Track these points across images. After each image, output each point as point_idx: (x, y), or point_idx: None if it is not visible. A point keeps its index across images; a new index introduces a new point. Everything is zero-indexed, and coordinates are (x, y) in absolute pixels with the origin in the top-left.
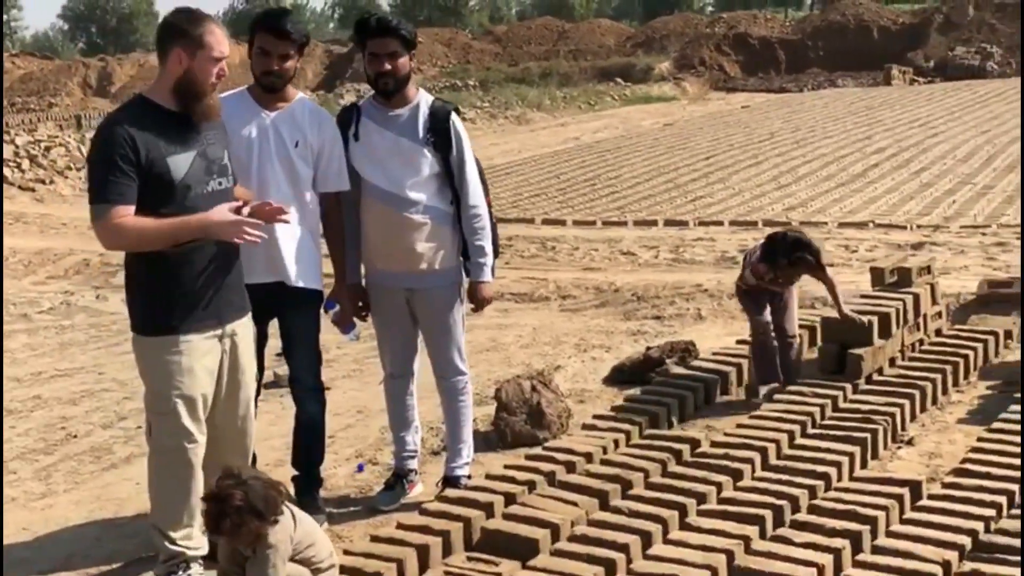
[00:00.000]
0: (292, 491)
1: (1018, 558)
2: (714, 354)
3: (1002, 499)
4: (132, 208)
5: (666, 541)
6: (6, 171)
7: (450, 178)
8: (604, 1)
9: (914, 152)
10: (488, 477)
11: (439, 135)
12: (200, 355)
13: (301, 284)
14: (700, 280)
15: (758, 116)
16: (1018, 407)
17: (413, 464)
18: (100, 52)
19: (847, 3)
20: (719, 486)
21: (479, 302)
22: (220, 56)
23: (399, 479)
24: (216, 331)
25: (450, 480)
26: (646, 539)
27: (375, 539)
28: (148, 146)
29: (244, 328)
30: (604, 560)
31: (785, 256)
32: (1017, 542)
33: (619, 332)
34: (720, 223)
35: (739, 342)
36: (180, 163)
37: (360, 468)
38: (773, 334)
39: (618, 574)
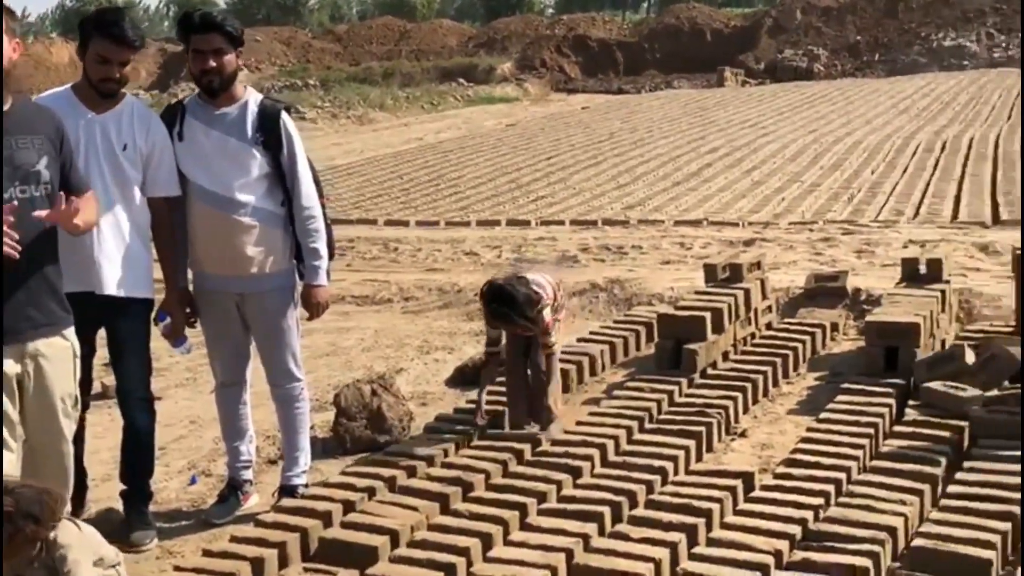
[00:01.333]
0: (121, 507)
1: (846, 545)
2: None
3: (830, 488)
4: None
5: (506, 542)
6: None
7: (281, 179)
8: (446, 1)
9: (746, 152)
10: (326, 485)
11: (269, 134)
12: None
13: (123, 293)
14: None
15: (598, 117)
16: (845, 397)
17: (248, 475)
18: None
19: (682, 7)
20: (559, 484)
21: (313, 307)
22: None
23: (233, 490)
24: (12, 348)
25: (286, 489)
26: (486, 541)
27: (207, 553)
28: None
29: (52, 348)
30: (444, 565)
31: (487, 306)
32: (845, 529)
33: (462, 333)
34: (561, 222)
35: (579, 340)
36: None
37: (193, 480)
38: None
39: None
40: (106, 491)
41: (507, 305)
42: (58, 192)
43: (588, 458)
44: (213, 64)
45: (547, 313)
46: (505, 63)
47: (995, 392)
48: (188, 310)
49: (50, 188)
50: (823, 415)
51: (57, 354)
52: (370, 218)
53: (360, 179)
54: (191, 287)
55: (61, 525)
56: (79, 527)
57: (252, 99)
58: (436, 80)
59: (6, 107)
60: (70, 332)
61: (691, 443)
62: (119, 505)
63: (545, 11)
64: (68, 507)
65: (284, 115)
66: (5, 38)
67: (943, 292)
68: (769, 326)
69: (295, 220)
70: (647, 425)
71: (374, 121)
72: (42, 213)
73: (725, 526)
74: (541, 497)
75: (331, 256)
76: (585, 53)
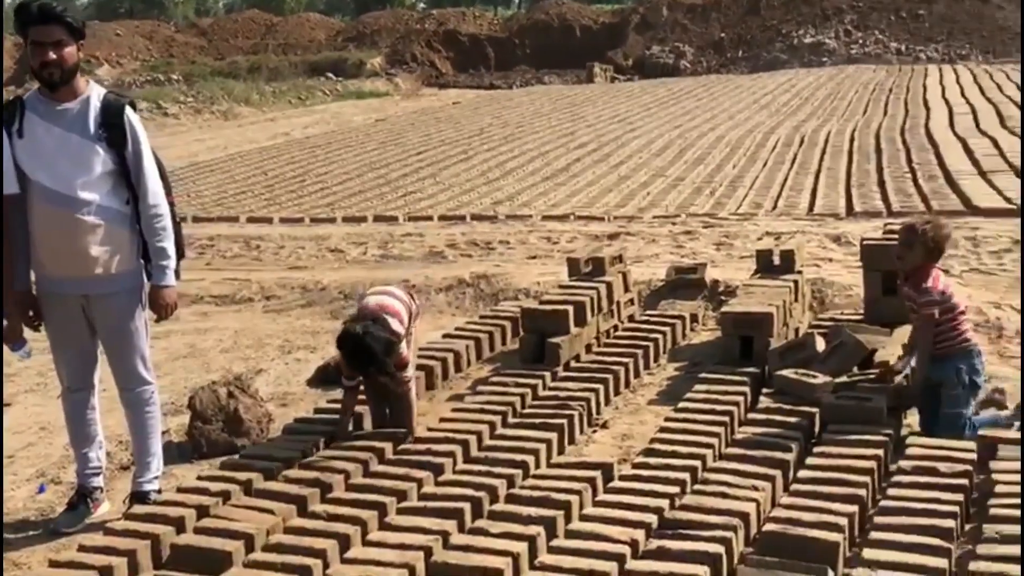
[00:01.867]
0: None
1: (700, 532)
2: (420, 349)
3: (686, 476)
4: None
5: (364, 543)
6: None
7: (126, 176)
8: None
9: (613, 147)
10: (180, 490)
11: (113, 130)
12: None
13: None
14: (407, 276)
15: (468, 112)
16: (702, 386)
17: (98, 481)
18: None
19: (551, 3)
20: (420, 482)
21: (161, 308)
22: None
23: (83, 498)
24: None
25: (138, 496)
26: (343, 542)
27: (54, 564)
28: None
29: None
30: (299, 567)
31: (344, 357)
32: (699, 517)
33: (325, 332)
34: (430, 218)
35: (445, 336)
36: None
37: (41, 489)
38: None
39: None
40: None
41: (367, 360)
42: None
43: (450, 454)
44: (53, 56)
45: (403, 347)
46: (375, 58)
47: (844, 378)
48: (31, 313)
49: None
50: (681, 404)
51: None
52: (232, 215)
53: (223, 176)
54: (34, 289)
55: None
56: None
57: (95, 94)
58: (304, 75)
59: None
60: None
61: (553, 436)
62: None
63: (416, 5)
64: None
65: (128, 110)
66: None
67: (796, 282)
68: (631, 318)
69: (141, 219)
70: (510, 419)
71: (239, 116)
72: None
73: (584, 517)
74: (401, 496)
75: (180, 255)
76: (456, 48)
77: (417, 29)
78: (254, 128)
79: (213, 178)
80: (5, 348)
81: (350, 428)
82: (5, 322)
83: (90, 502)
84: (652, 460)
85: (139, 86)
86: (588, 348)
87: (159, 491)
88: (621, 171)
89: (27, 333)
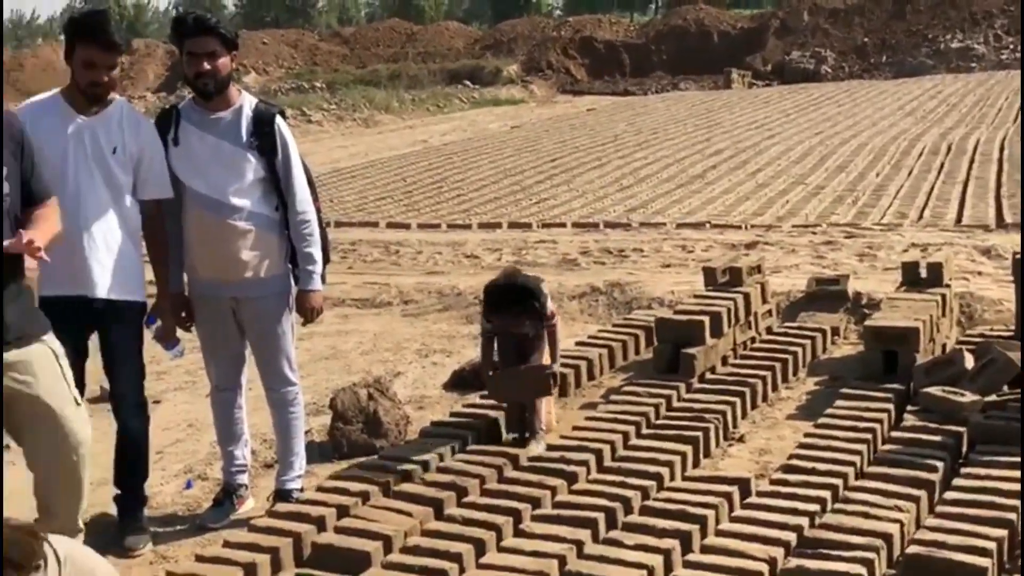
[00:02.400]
0: (116, 511)
1: (841, 552)
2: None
3: (827, 494)
4: None
5: (500, 548)
6: None
7: (276, 183)
8: (454, 3)
9: (751, 154)
10: (320, 490)
11: (263, 138)
12: None
13: (115, 297)
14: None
15: (603, 119)
16: (844, 402)
17: (243, 479)
18: None
19: (689, 8)
20: (554, 490)
21: (307, 312)
22: None
23: (228, 495)
24: None
25: (281, 494)
26: (479, 547)
27: (200, 558)
28: None
29: (28, 361)
30: (436, 571)
31: (499, 301)
32: (840, 536)
33: (461, 336)
34: (563, 225)
35: (578, 344)
36: None
37: (189, 485)
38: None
39: None
40: (101, 496)
41: (522, 294)
42: (17, 202)
43: (584, 463)
44: (208, 67)
45: (550, 303)
46: (511, 65)
47: (994, 397)
48: (183, 314)
49: (9, 201)
50: (821, 420)
51: (40, 362)
52: (372, 220)
53: (364, 182)
54: (186, 291)
55: (44, 569)
56: (63, 563)
57: (247, 103)
58: (442, 82)
59: None
60: (48, 337)
61: (688, 448)
62: (113, 510)
63: (552, 13)
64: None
65: (279, 119)
66: None
67: (943, 296)
68: (769, 330)
69: (290, 224)
70: (644, 430)
71: (379, 124)
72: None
73: (720, 532)
74: (535, 503)
75: (326, 260)
76: (592, 55)
77: (553, 36)
78: (394, 135)
79: (355, 184)
80: (149, 347)
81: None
82: (160, 322)
83: (235, 499)
84: (791, 476)
85: (284, 94)
86: (724, 360)
87: (301, 490)
88: (759, 178)
89: (179, 333)
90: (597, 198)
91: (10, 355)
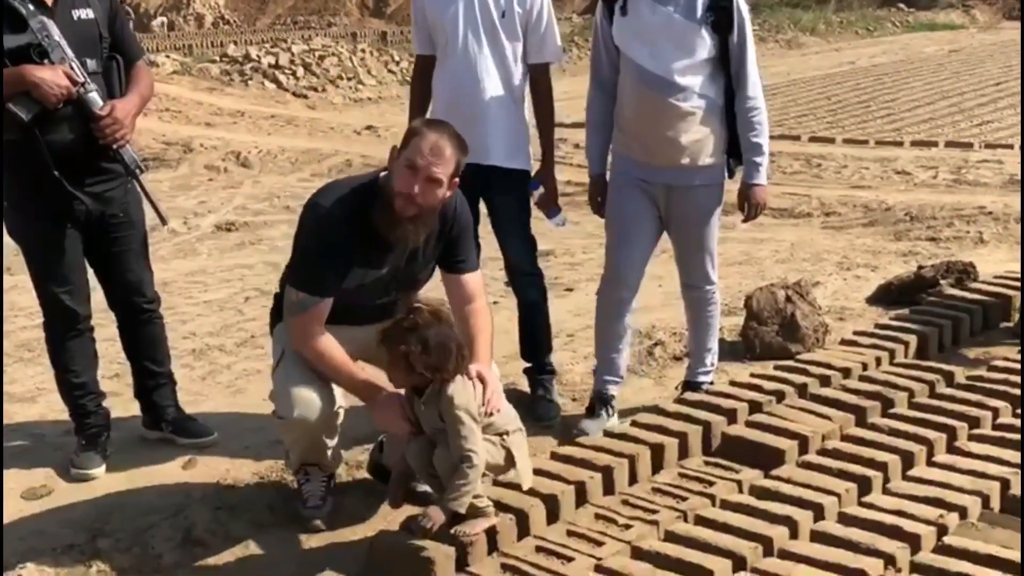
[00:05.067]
0: (528, 385)
1: None
2: (996, 277)
3: None
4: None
5: (930, 463)
6: (281, 77)
7: (726, 65)
8: None
9: None
10: (733, 384)
11: (720, 14)
12: None
13: (504, 164)
14: (983, 202)
15: None
16: None
17: (615, 391)
18: None
19: None
20: (996, 412)
21: (752, 207)
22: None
23: (604, 404)
24: None
25: (691, 384)
26: (907, 459)
27: (608, 434)
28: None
29: None
30: (858, 477)
31: None
32: None
33: (887, 252)
34: (1010, 146)
35: None
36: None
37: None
38: None
39: (872, 493)
40: (510, 370)
41: None
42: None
43: None
44: None
45: None
46: None
47: None
48: (600, 199)
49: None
50: None
51: None
52: (793, 135)
53: (784, 99)
54: (608, 173)
55: (462, 380)
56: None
57: None
58: (873, 5)
59: None
60: None
61: None
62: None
63: None
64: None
65: None
66: None
67: None
68: None
69: (737, 111)
70: None
71: (803, 46)
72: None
73: None
74: (974, 422)
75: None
76: None
77: None
78: (818, 57)
79: (775, 101)
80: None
81: None
82: (542, 188)
83: (609, 409)
84: None
85: None
86: None
87: (711, 383)
88: None
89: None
90: None
91: None
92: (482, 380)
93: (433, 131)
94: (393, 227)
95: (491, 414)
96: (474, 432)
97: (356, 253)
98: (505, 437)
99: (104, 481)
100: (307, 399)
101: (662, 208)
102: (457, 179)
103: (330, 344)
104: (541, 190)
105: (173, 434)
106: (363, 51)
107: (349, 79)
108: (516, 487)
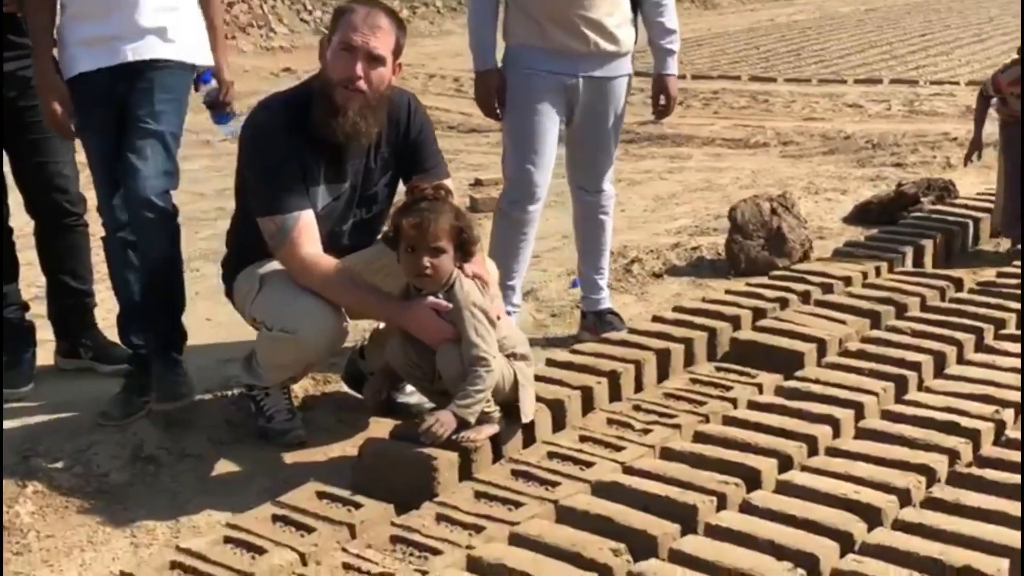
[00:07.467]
0: None
1: None
2: (979, 194)
3: None
4: None
5: (961, 361)
6: None
7: None
8: None
9: None
10: (729, 292)
11: None
12: None
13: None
14: (946, 129)
15: (970, 4)
16: None
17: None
18: None
19: None
20: (1021, 313)
21: (671, 99)
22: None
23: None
24: None
25: (601, 314)
26: (939, 360)
27: (605, 341)
28: None
29: None
30: (894, 376)
31: None
32: None
33: (853, 178)
34: (956, 83)
35: None
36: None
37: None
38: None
39: (910, 392)
40: None
41: None
42: None
43: None
44: None
45: None
46: None
47: None
48: (495, 99)
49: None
50: None
51: None
52: (732, 74)
53: (712, 48)
54: (502, 66)
55: (470, 280)
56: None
57: None
58: None
59: None
60: None
61: None
62: None
63: None
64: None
65: None
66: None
67: None
68: None
69: None
70: None
71: (719, 6)
72: None
73: None
74: (1000, 323)
75: None
76: None
77: None
78: (735, 15)
79: (703, 51)
80: None
81: None
82: (214, 82)
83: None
84: None
85: None
86: None
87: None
88: None
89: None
90: (989, 66)
91: None
92: (482, 281)
93: (363, 4)
94: (339, 125)
95: (499, 318)
96: (491, 333)
97: (312, 167)
98: (512, 360)
99: (29, 405)
100: (317, 312)
101: (570, 104)
102: (400, 63)
103: (334, 261)
104: (213, 83)
105: (94, 360)
106: None
107: (260, 27)
108: None
